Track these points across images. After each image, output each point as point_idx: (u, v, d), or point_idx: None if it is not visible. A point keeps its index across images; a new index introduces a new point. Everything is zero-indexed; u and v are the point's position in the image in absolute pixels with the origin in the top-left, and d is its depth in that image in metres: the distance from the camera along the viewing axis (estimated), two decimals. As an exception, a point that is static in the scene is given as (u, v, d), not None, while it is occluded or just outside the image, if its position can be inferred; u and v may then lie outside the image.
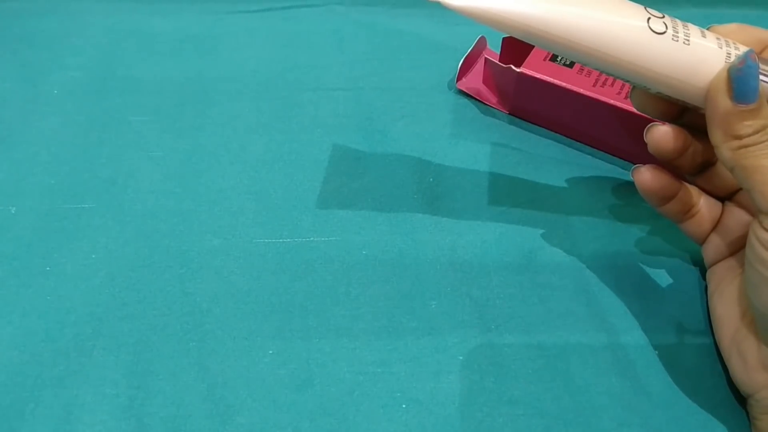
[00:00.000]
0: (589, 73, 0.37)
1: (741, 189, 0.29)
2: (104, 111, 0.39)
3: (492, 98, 0.41)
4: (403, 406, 0.28)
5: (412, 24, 0.46)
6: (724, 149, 0.24)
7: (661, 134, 0.27)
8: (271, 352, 0.29)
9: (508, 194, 0.36)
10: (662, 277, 0.33)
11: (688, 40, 0.25)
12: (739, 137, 0.24)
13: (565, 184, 0.36)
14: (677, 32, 0.25)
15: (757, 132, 0.24)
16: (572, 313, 0.31)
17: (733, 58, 0.25)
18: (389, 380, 0.28)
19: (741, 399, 0.28)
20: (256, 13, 0.47)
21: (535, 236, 0.34)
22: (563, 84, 0.36)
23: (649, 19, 0.25)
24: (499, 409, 0.28)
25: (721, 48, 0.25)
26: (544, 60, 0.38)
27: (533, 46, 0.39)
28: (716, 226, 0.30)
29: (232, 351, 0.29)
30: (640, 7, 0.26)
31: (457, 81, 0.41)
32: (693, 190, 0.29)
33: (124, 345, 0.29)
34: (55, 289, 0.31)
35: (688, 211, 0.29)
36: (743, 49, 0.25)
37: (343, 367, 0.29)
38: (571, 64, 0.37)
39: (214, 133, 0.38)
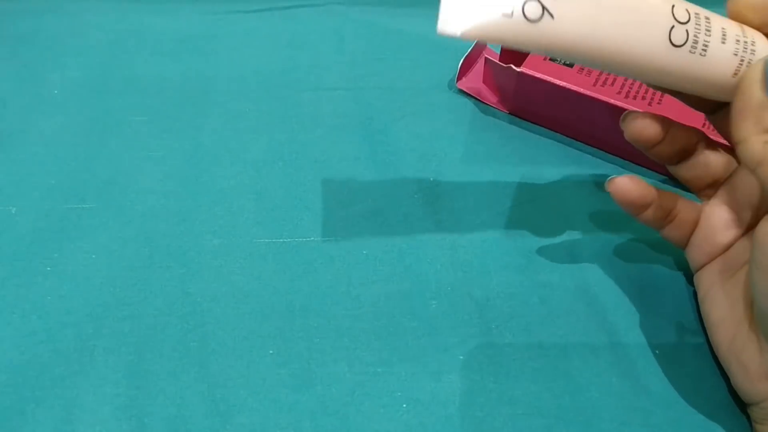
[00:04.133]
0: (589, 73, 0.37)
1: (724, 182, 0.28)
2: (104, 111, 0.39)
3: (492, 98, 0.41)
4: (404, 405, 0.28)
5: (413, 23, 0.46)
6: (754, 141, 0.23)
7: (638, 122, 0.27)
8: (271, 351, 0.29)
9: (508, 194, 0.36)
10: (663, 277, 0.33)
11: (705, 50, 0.25)
12: None
13: (565, 184, 0.36)
14: (696, 41, 0.25)
15: None
16: (573, 313, 0.31)
17: (745, 66, 0.24)
18: (390, 380, 0.28)
19: (742, 399, 0.28)
20: (256, 13, 0.47)
21: (535, 236, 0.34)
22: (563, 83, 0.36)
23: (672, 28, 0.25)
24: (500, 408, 0.28)
25: (736, 55, 0.25)
26: (545, 59, 0.38)
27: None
28: (696, 228, 0.29)
29: (232, 351, 0.29)
30: (667, 12, 0.25)
31: (457, 80, 0.41)
32: (670, 194, 0.29)
33: (124, 345, 0.29)
34: (56, 289, 0.31)
35: (666, 216, 0.29)
36: (760, 54, 0.25)
37: (344, 367, 0.29)
38: (572, 64, 0.37)
39: (214, 132, 0.38)
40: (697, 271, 0.30)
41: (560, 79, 0.37)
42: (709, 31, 0.25)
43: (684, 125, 0.28)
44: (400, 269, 0.32)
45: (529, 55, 0.38)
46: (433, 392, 0.28)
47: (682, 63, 0.25)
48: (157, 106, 0.39)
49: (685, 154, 0.29)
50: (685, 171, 0.29)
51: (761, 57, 0.24)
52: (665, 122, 0.27)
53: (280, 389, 0.28)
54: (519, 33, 0.23)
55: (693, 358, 0.29)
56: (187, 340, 0.29)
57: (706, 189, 0.29)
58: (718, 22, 0.25)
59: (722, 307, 0.28)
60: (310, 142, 0.38)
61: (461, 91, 0.41)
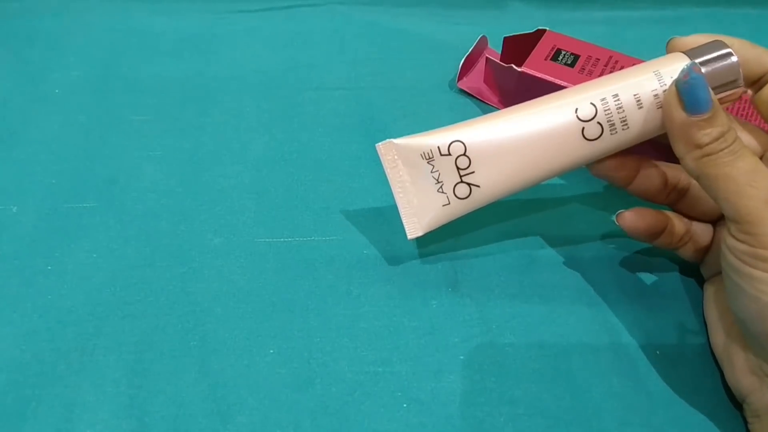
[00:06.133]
0: (590, 73, 0.37)
1: None
2: (105, 110, 0.39)
3: (493, 98, 0.41)
4: (404, 405, 0.28)
5: (413, 23, 0.46)
6: (688, 159, 0.25)
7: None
8: (272, 351, 0.29)
9: (509, 194, 0.36)
10: (663, 277, 0.33)
11: (626, 125, 0.27)
12: (700, 146, 0.24)
13: (565, 184, 0.36)
14: (613, 124, 0.27)
15: (715, 140, 0.24)
16: (573, 313, 0.31)
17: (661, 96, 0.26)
18: (390, 379, 0.28)
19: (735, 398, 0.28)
20: (257, 13, 0.47)
21: (535, 236, 0.34)
22: (565, 83, 0.36)
23: (583, 129, 0.27)
24: (500, 408, 0.28)
25: (657, 97, 0.26)
26: (546, 59, 0.38)
27: (535, 46, 0.39)
28: (710, 248, 0.30)
29: (233, 350, 0.29)
30: (572, 119, 0.27)
31: (458, 80, 0.41)
32: (681, 219, 0.30)
33: (125, 344, 0.29)
34: (57, 288, 0.31)
35: (679, 240, 0.30)
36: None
37: (344, 367, 0.29)
38: (573, 64, 0.37)
39: (215, 132, 0.38)
40: (708, 280, 0.31)
41: (561, 79, 0.37)
42: (621, 109, 0.27)
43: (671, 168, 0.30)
44: (401, 269, 0.32)
45: (531, 55, 0.38)
46: (434, 392, 0.28)
47: (609, 146, 0.28)
48: (158, 106, 0.39)
49: (681, 192, 0.30)
50: (686, 208, 0.30)
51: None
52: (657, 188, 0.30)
53: (281, 389, 0.28)
54: (460, 209, 0.30)
55: (693, 359, 0.29)
56: (188, 340, 0.29)
57: (712, 221, 0.30)
58: (630, 90, 0.27)
59: (720, 310, 0.29)
60: (310, 142, 0.38)
61: (462, 91, 0.41)
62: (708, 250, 0.30)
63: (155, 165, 0.36)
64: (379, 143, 0.30)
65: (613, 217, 0.30)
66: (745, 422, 0.27)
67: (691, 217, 0.30)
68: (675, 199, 0.30)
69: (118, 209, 0.34)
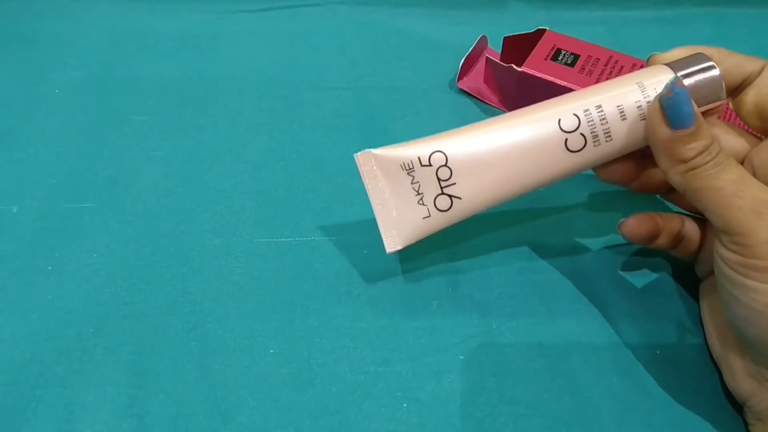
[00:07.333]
0: (590, 72, 0.37)
1: None
2: (105, 110, 0.39)
3: (493, 98, 0.41)
4: (404, 405, 0.28)
5: (414, 23, 0.46)
6: (673, 174, 0.25)
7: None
8: (272, 351, 0.29)
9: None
10: (663, 277, 0.33)
11: (609, 136, 0.27)
12: (685, 161, 0.24)
13: (565, 184, 0.36)
14: (596, 135, 0.27)
15: (700, 153, 0.24)
16: (573, 313, 0.31)
17: (645, 105, 0.26)
18: (390, 380, 0.28)
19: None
20: (257, 13, 0.47)
21: (535, 236, 0.34)
22: (565, 83, 0.36)
23: (566, 140, 0.27)
24: (500, 408, 0.28)
25: (645, 119, 0.26)
26: (546, 59, 0.38)
27: (534, 46, 0.39)
28: (703, 246, 0.30)
29: (233, 350, 0.29)
30: (555, 130, 0.27)
31: (458, 80, 0.41)
32: (676, 219, 0.30)
33: (125, 344, 0.29)
34: (57, 288, 0.31)
35: (674, 239, 0.30)
36: (662, 87, 0.25)
37: (344, 367, 0.29)
38: (573, 63, 0.37)
39: (215, 132, 0.38)
40: (703, 280, 0.31)
41: (561, 79, 0.37)
42: (604, 120, 0.27)
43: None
44: (401, 269, 0.32)
45: (531, 55, 0.38)
46: (434, 392, 0.28)
47: (593, 157, 0.28)
48: (158, 106, 0.39)
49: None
50: (686, 202, 0.30)
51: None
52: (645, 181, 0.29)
53: (281, 389, 0.28)
54: (442, 222, 0.29)
55: (693, 359, 0.29)
56: (188, 340, 0.29)
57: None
58: (613, 102, 0.27)
59: (718, 312, 0.29)
60: (310, 142, 0.38)
61: (462, 91, 0.41)
62: (700, 248, 0.30)
63: (155, 165, 0.36)
64: (358, 153, 0.29)
65: (616, 228, 0.30)
66: (745, 423, 0.27)
67: (688, 209, 0.31)
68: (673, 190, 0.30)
69: (118, 209, 0.34)
